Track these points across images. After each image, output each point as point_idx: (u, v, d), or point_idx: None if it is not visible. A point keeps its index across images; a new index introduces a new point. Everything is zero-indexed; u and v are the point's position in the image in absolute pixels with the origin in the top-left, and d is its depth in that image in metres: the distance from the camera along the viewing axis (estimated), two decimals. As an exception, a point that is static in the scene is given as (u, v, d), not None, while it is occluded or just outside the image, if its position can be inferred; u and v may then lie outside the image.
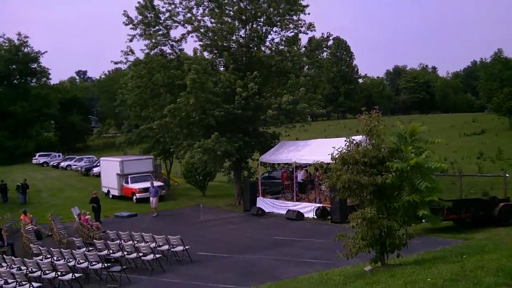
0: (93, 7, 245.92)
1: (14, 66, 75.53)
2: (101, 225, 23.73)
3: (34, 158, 68.52)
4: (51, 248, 15.90)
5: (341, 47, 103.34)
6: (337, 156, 10.12)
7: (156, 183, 30.61)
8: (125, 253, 15.97)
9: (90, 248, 17.20)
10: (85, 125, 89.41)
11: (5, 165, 65.09)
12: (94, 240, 17.10)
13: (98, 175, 40.63)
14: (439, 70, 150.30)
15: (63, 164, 60.71)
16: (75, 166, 56.91)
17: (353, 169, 9.61)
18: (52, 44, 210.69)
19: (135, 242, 17.32)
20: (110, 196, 34.87)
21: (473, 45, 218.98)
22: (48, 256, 15.55)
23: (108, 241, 17.22)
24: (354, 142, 10.24)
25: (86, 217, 23.07)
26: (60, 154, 69.79)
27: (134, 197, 32.39)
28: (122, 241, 17.87)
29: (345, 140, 10.53)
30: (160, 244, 16.73)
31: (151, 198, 27.92)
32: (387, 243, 9.52)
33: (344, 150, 10.13)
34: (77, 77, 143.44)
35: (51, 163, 64.70)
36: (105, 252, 16.41)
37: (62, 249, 15.35)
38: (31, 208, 32.28)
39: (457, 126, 60.85)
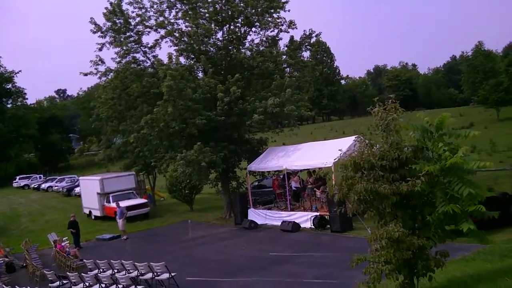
0: (71, 25, 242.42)
1: (-14, 88, 73.07)
2: (80, 251, 21.84)
3: (14, 181, 66.30)
4: (16, 287, 13.90)
5: (321, 49, 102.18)
6: (345, 161, 8.13)
7: (127, 203, 28.80)
8: (103, 286, 14.02)
9: (64, 282, 15.24)
10: (66, 144, 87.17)
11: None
12: (68, 273, 15.10)
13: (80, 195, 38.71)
14: (419, 67, 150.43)
15: (44, 185, 58.86)
16: (56, 187, 55.22)
17: (369, 175, 7.67)
18: (29, 64, 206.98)
19: (115, 271, 15.42)
20: (92, 217, 33.04)
21: (451, 40, 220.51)
22: (14, 295, 13.59)
23: (83, 273, 15.26)
24: (367, 141, 8.17)
25: (63, 244, 21.21)
26: (41, 175, 67.90)
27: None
28: (100, 270, 15.99)
29: (354, 140, 8.62)
30: (142, 272, 14.80)
31: (117, 220, 25.78)
32: (419, 266, 7.65)
33: (355, 153, 8.10)
34: (57, 96, 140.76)
35: (32, 185, 62.81)
36: (80, 286, 14.44)
37: (28, 287, 13.36)
38: (8, 236, 30.23)
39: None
